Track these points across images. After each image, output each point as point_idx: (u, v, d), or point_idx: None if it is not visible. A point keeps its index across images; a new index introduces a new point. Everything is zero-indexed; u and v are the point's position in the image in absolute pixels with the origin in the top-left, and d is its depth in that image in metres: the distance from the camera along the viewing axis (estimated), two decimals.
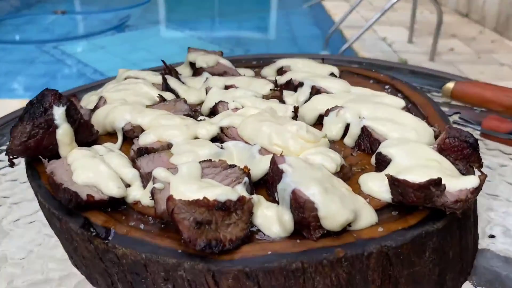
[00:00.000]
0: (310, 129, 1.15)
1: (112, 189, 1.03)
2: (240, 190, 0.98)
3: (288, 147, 1.10)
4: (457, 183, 0.98)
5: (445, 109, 1.92)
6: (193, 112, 1.44)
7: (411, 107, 1.48)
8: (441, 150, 1.11)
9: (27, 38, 8.32)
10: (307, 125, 1.15)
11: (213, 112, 1.40)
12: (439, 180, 0.93)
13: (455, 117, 1.87)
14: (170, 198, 0.88)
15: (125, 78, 1.59)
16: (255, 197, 0.99)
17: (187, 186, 0.97)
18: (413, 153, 1.08)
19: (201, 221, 0.87)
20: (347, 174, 1.11)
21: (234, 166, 1.05)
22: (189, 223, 0.87)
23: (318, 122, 1.36)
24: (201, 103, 1.49)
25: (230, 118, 1.24)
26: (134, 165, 1.13)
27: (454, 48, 7.08)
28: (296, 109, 1.30)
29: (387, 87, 1.64)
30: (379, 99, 1.35)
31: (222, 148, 1.14)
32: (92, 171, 1.06)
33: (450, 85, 1.99)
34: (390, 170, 1.06)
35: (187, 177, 0.99)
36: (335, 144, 1.26)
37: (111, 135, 1.33)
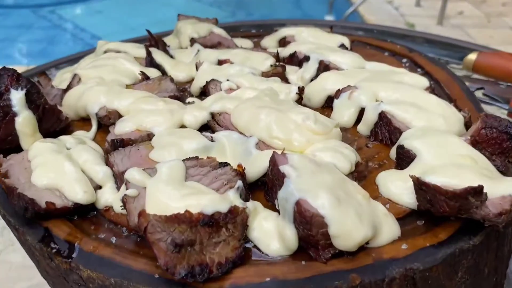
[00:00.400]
0: (319, 117, 0.95)
1: (77, 194, 0.85)
2: (233, 197, 0.80)
3: (291, 140, 0.91)
4: (498, 188, 0.79)
5: (466, 83, 1.71)
6: (181, 92, 1.25)
7: (434, 85, 1.28)
8: (475, 142, 0.93)
9: (23, 2, 8.01)
10: (315, 113, 0.95)
11: (204, 92, 1.21)
12: (480, 189, 0.74)
13: (479, 94, 1.67)
14: (142, 214, 0.70)
15: (105, 52, 1.39)
16: (251, 204, 0.81)
17: (167, 193, 0.78)
18: (443, 148, 0.89)
19: (181, 243, 0.69)
20: (363, 173, 0.92)
21: (225, 164, 0.86)
22: (166, 246, 0.69)
23: (327, 105, 1.16)
24: (191, 81, 1.29)
25: (223, 102, 1.04)
26: (108, 160, 0.94)
27: (463, 11, 6.76)
28: (301, 90, 1.11)
29: (404, 60, 1.43)
30: (398, 77, 1.15)
31: (212, 140, 0.95)
32: (55, 170, 0.88)
33: (472, 56, 1.77)
34: (414, 169, 0.88)
35: (168, 180, 0.81)
36: (347, 132, 1.07)
37: (85, 121, 1.14)
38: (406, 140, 0.93)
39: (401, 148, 0.93)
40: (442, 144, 0.90)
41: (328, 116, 1.12)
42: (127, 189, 0.82)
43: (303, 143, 0.90)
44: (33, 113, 1.00)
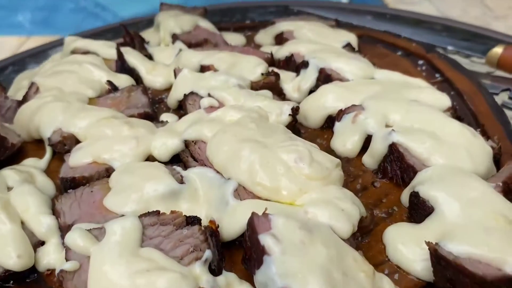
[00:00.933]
0: (316, 155, 0.76)
1: (10, 259, 0.69)
2: (199, 272, 0.63)
3: (279, 189, 0.72)
4: None
5: (487, 82, 1.50)
6: (156, 104, 1.07)
7: (454, 97, 1.08)
8: (508, 190, 0.75)
9: None
10: (310, 151, 0.76)
11: (182, 106, 1.02)
12: None
13: (504, 96, 1.46)
14: None
15: (72, 51, 1.20)
16: (223, 279, 0.64)
17: (114, 269, 0.62)
18: (468, 201, 0.71)
19: None
20: (367, 228, 0.74)
21: (193, 221, 0.69)
22: None
23: (327, 126, 0.98)
24: (169, 88, 1.10)
25: (200, 127, 0.86)
26: (55, 207, 0.77)
27: None
28: (295, 111, 0.91)
29: (420, 62, 1.23)
30: (414, 93, 0.95)
31: (182, 181, 0.78)
32: None
33: (498, 50, 1.55)
34: (431, 228, 0.71)
35: (118, 248, 0.64)
36: (350, 164, 0.89)
37: (39, 143, 0.97)
38: (422, 186, 0.75)
39: (415, 196, 0.75)
40: (466, 195, 0.72)
41: (328, 140, 0.94)
42: (67, 257, 0.65)
43: (294, 192, 0.72)
44: None
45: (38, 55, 1.61)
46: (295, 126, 0.94)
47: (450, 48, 1.54)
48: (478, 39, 1.68)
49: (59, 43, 1.65)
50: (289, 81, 1.08)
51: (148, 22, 1.77)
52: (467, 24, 1.77)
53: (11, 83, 1.34)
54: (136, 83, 1.12)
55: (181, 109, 1.03)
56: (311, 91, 1.04)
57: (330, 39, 1.21)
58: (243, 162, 0.75)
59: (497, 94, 1.37)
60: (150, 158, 0.86)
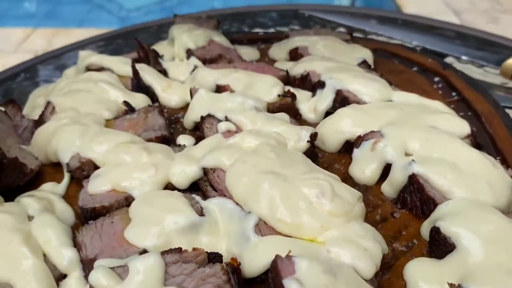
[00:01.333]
0: (338, 189, 0.76)
1: None
2: None
3: (300, 225, 0.72)
4: None
5: (501, 93, 1.49)
6: (173, 124, 1.06)
7: (472, 117, 1.07)
8: None
9: None
10: (332, 185, 0.76)
11: (198, 127, 1.02)
12: None
13: None
14: None
15: (87, 67, 1.19)
16: None
17: None
18: (490, 238, 0.71)
19: None
20: (389, 263, 0.74)
21: (215, 258, 0.69)
22: None
23: (344, 150, 0.97)
24: (185, 107, 1.10)
25: (217, 155, 0.85)
26: (76, 239, 0.77)
27: None
28: (313, 137, 0.91)
29: (436, 79, 1.22)
30: (433, 118, 0.94)
31: (202, 213, 0.78)
32: (8, 259, 0.71)
33: None
34: (453, 266, 0.70)
35: (141, 287, 0.64)
36: (369, 193, 0.88)
37: (57, 167, 0.97)
38: (443, 222, 0.74)
39: (436, 231, 0.75)
40: (488, 233, 0.72)
41: (346, 166, 0.94)
42: None
43: (316, 229, 0.72)
44: None
45: (49, 61, 1.62)
46: (313, 151, 0.93)
47: (464, 58, 1.53)
48: (492, 48, 1.66)
49: (69, 49, 1.66)
50: (305, 101, 1.08)
51: (159, 27, 1.77)
52: (480, 31, 1.75)
53: (23, 91, 1.34)
54: (151, 99, 1.12)
55: (197, 130, 1.03)
56: (328, 112, 1.04)
57: (345, 56, 1.20)
58: (263, 196, 0.75)
59: (511, 107, 1.36)
60: (168, 185, 0.86)
